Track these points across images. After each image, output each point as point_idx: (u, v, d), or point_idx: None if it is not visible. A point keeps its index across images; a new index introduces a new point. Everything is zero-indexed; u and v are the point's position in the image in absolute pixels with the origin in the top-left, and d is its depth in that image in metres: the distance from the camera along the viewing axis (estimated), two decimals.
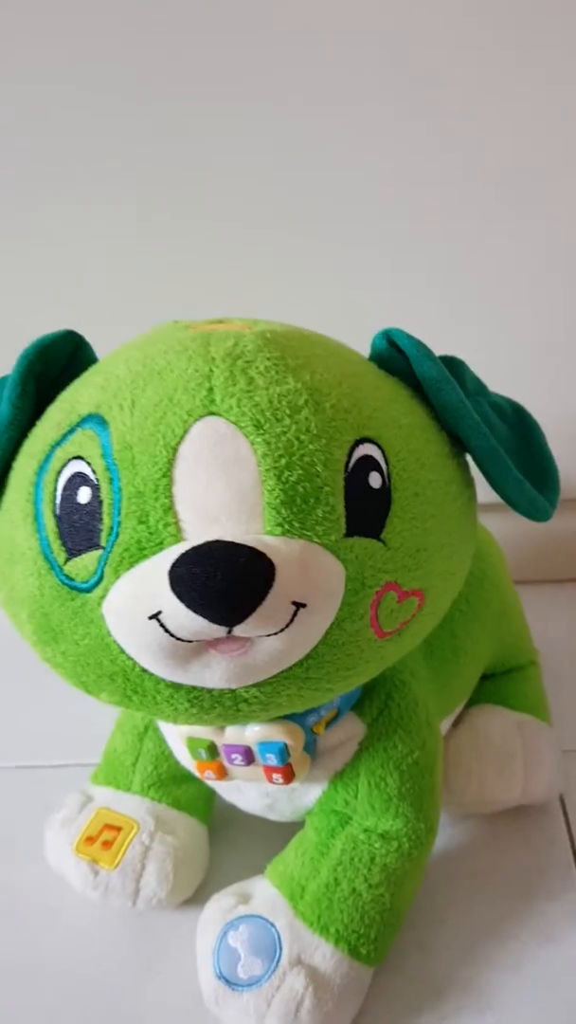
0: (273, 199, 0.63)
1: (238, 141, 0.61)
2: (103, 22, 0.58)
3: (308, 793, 0.49)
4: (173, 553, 0.33)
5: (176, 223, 0.64)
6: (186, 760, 0.48)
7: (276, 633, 0.34)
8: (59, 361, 0.42)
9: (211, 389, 0.36)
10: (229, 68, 0.59)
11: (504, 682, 0.60)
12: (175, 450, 0.35)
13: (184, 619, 0.33)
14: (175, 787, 0.54)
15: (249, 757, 0.44)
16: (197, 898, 0.52)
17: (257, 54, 0.59)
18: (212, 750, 0.44)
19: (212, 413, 0.35)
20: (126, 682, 0.37)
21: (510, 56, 0.59)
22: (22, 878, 0.55)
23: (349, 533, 0.36)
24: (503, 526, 0.65)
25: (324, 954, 0.45)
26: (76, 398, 0.39)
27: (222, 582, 0.32)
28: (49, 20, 0.58)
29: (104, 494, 0.36)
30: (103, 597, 0.35)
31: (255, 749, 0.43)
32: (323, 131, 0.61)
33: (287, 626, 0.34)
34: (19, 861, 0.56)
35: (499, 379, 0.50)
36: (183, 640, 0.34)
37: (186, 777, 0.54)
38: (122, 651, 0.36)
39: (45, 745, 0.66)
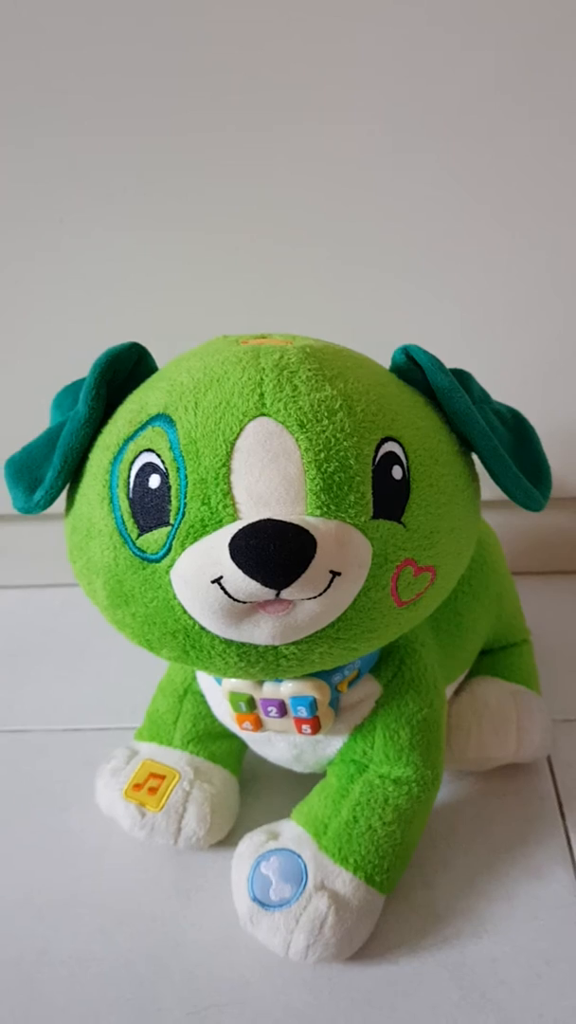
0: (311, 234, 0.68)
1: (276, 170, 0.66)
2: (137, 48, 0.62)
3: (331, 744, 0.55)
4: (232, 529, 0.39)
5: (220, 255, 0.69)
6: (224, 715, 0.55)
7: (315, 597, 0.40)
8: (125, 369, 0.48)
9: (262, 395, 0.41)
10: (255, 100, 0.63)
11: (501, 656, 0.66)
12: (233, 444, 0.41)
13: (241, 583, 0.39)
14: (211, 743, 0.61)
15: (283, 710, 0.50)
16: (229, 840, 0.58)
17: (279, 91, 0.63)
18: (251, 703, 0.51)
19: (263, 414, 0.41)
20: (186, 639, 0.43)
21: (512, 77, 0.62)
22: (72, 823, 0.62)
23: (375, 516, 0.41)
24: (502, 522, 0.73)
25: (344, 880, 0.51)
26: (145, 400, 0.45)
27: (275, 552, 0.38)
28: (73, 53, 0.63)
29: (172, 480, 0.42)
30: (171, 566, 0.42)
31: (288, 703, 0.50)
32: (337, 160, 0.66)
33: (324, 591, 0.40)
34: (69, 809, 0.63)
35: (502, 389, 0.55)
36: (239, 601, 0.40)
37: (221, 734, 0.60)
38: (185, 611, 0.42)
39: (89, 711, 0.73)
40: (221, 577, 0.40)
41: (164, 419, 0.43)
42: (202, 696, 0.60)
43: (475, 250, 0.69)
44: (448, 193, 0.67)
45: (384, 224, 0.68)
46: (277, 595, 0.40)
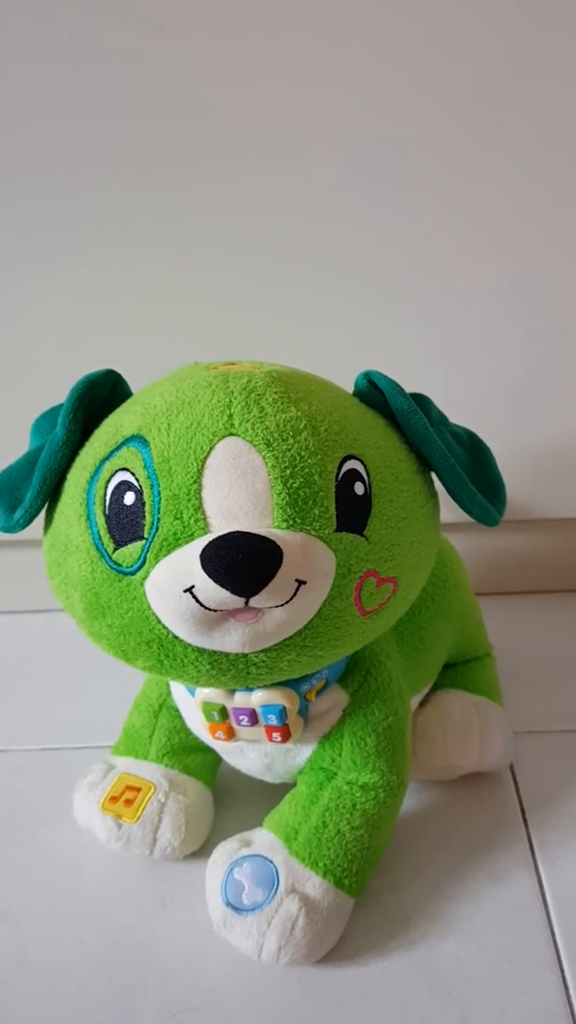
0: (276, 260, 0.70)
1: (243, 205, 0.68)
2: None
3: (300, 753, 0.56)
4: (203, 541, 0.42)
5: (192, 288, 0.72)
6: (198, 726, 0.56)
7: (282, 605, 0.42)
8: (101, 394, 0.50)
9: (231, 416, 0.43)
10: (234, 127, 0.65)
11: (464, 670, 0.68)
12: (203, 462, 0.42)
13: (212, 591, 0.41)
14: (186, 756, 0.62)
15: (254, 718, 0.52)
16: (204, 851, 0.59)
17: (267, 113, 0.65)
18: (223, 713, 0.52)
19: (232, 434, 0.43)
20: (160, 648, 0.45)
21: (478, 107, 0.64)
22: (49, 838, 0.63)
23: (339, 529, 0.44)
24: (465, 544, 0.74)
25: (314, 884, 0.52)
26: (120, 422, 0.47)
27: (243, 561, 0.40)
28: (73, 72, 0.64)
29: (146, 497, 0.44)
30: (145, 577, 0.43)
31: (259, 711, 0.51)
32: (318, 191, 0.68)
33: (291, 599, 0.42)
34: (47, 824, 0.64)
35: (461, 413, 0.57)
36: (210, 609, 0.42)
37: (195, 748, 0.62)
38: (159, 621, 0.44)
39: (65, 731, 0.74)
40: (193, 586, 0.42)
41: (138, 440, 0.45)
42: (176, 711, 0.62)
43: (437, 280, 0.71)
44: (411, 226, 0.69)
45: (348, 256, 0.70)
46: (246, 603, 0.42)
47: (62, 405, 0.49)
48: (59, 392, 0.50)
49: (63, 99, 0.65)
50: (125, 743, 0.64)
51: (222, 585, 0.41)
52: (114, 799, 0.59)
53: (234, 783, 0.64)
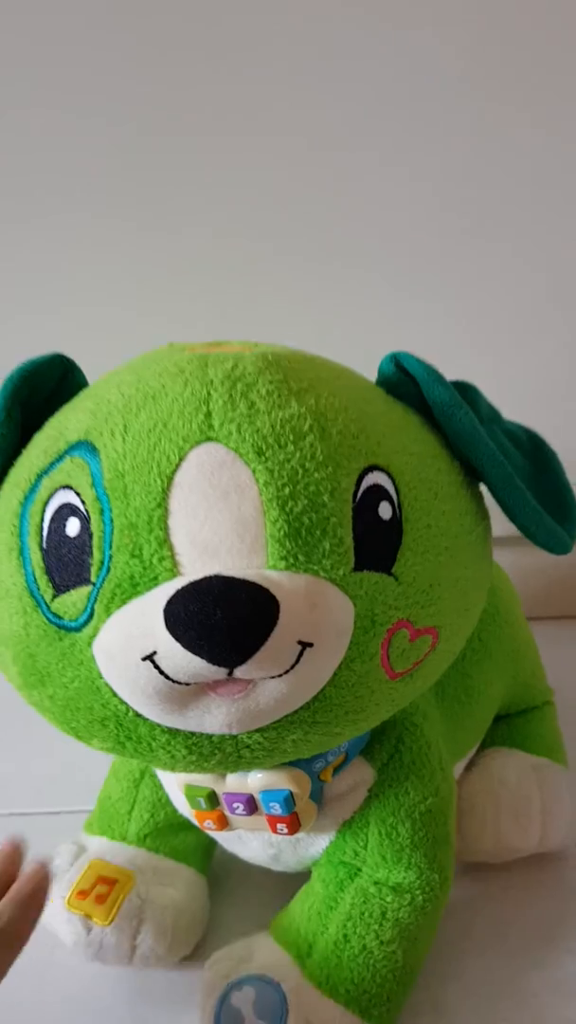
0: (278, 217, 0.64)
1: (240, 155, 0.62)
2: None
3: (315, 843, 0.47)
4: (169, 589, 0.32)
5: (176, 240, 0.65)
6: (184, 808, 0.47)
7: (281, 675, 0.33)
8: (47, 386, 0.41)
9: (209, 414, 0.35)
10: (232, 80, 0.60)
11: (519, 723, 0.59)
12: (170, 478, 0.34)
13: (181, 660, 0.31)
14: (172, 836, 0.53)
15: (252, 806, 0.42)
16: (197, 954, 0.50)
17: (265, 73, 0.60)
18: (212, 799, 0.43)
19: (210, 439, 0.34)
20: (119, 728, 0.36)
21: (514, 82, 0.60)
22: None
23: (358, 567, 0.35)
24: (516, 560, 0.65)
25: (333, 1017, 0.43)
26: (64, 424, 0.38)
27: (222, 620, 0.31)
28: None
29: (94, 526, 0.34)
30: (93, 636, 0.34)
31: (258, 798, 0.42)
32: (325, 143, 0.62)
33: (292, 667, 0.33)
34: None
35: (514, 408, 0.49)
36: (180, 683, 0.32)
37: (184, 825, 0.52)
38: (114, 694, 0.34)
39: (39, 792, 0.64)
40: (155, 653, 0.32)
41: (85, 447, 0.36)
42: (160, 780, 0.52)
43: (475, 245, 0.65)
44: (444, 184, 0.64)
45: (371, 220, 0.64)
46: (230, 674, 0.32)
47: None
48: None
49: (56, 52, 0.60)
50: (100, 819, 0.54)
51: (194, 652, 0.31)
52: (83, 893, 0.49)
53: (234, 862, 0.53)
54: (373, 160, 0.62)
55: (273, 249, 0.63)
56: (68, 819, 0.59)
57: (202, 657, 0.31)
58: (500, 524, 0.43)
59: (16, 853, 0.47)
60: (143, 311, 0.63)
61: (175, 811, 0.51)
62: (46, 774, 0.65)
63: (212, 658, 0.31)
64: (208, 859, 0.54)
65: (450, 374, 0.42)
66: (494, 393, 0.46)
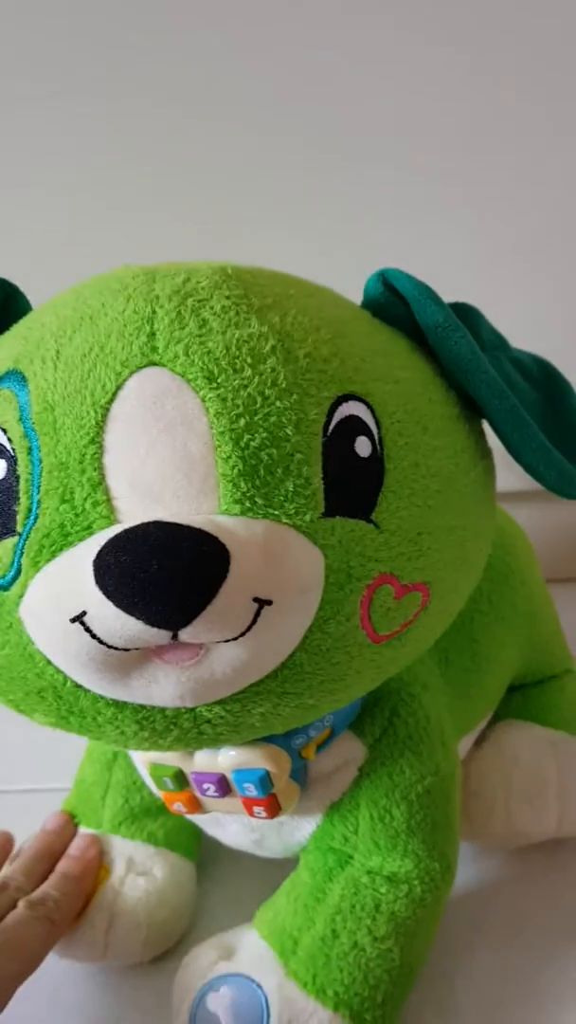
0: (270, 132, 0.59)
1: (235, 64, 0.58)
2: None
3: (300, 828, 0.43)
4: (101, 538, 0.28)
5: (153, 152, 0.60)
6: (156, 789, 0.42)
7: (236, 638, 0.29)
8: None
9: (152, 334, 0.30)
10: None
11: (535, 694, 0.55)
12: (106, 410, 0.29)
13: (113, 621, 0.27)
14: (151, 820, 0.48)
15: (224, 787, 0.38)
16: (181, 947, 0.46)
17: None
18: (180, 779, 0.38)
19: (153, 363, 0.30)
20: (58, 700, 0.31)
21: None
22: None
23: (329, 512, 0.30)
24: (533, 516, 0.62)
25: (321, 1021, 0.38)
26: None
27: (159, 573, 0.27)
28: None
29: (21, 467, 0.30)
30: (21, 595, 0.30)
31: (231, 777, 0.37)
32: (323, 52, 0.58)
33: (249, 628, 0.29)
34: None
35: (525, 336, 0.45)
36: (116, 648, 0.28)
37: (162, 808, 0.48)
38: (48, 662, 0.30)
39: (11, 767, 0.61)
40: (84, 613, 0.28)
41: (15, 377, 0.32)
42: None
43: (489, 160, 0.60)
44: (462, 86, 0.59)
45: (368, 126, 0.59)
46: (175, 637, 0.28)
47: None
48: None
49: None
50: (75, 803, 0.50)
51: (128, 611, 0.27)
52: None
53: (222, 846, 0.48)
54: (371, 58, 0.58)
55: (260, 168, 0.60)
56: (44, 797, 0.55)
57: (137, 617, 0.27)
58: (518, 477, 0.38)
59: (67, 828, 0.48)
60: (107, 233, 0.59)
61: (152, 793, 0.47)
62: (20, 751, 0.61)
63: (149, 619, 0.27)
64: (196, 841, 0.50)
65: (451, 296, 0.38)
66: (510, 326, 0.42)
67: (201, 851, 0.50)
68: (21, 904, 0.40)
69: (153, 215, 0.59)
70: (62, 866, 0.44)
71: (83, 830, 0.48)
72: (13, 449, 0.30)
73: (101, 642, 0.28)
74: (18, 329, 0.34)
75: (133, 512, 0.28)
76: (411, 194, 0.60)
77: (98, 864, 0.45)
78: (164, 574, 0.26)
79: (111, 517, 0.28)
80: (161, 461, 0.28)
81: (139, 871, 0.46)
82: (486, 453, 0.38)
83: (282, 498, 0.29)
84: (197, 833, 0.50)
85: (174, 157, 0.59)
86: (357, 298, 0.39)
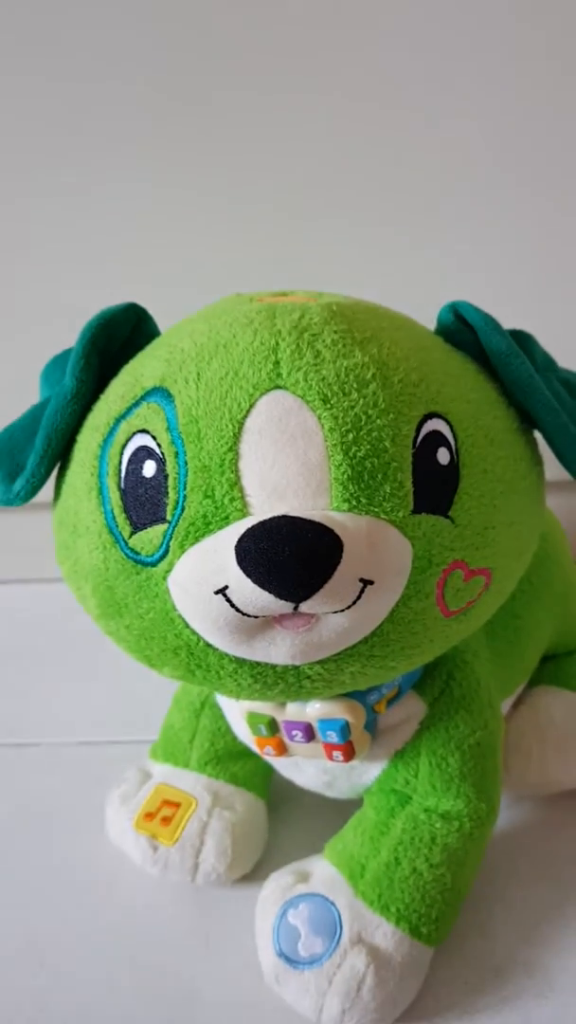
0: (338, 177, 0.62)
1: (300, 118, 0.61)
2: None
3: (368, 771, 0.48)
4: (239, 528, 0.33)
5: (237, 196, 0.63)
6: (245, 735, 0.48)
7: (342, 610, 0.34)
8: (121, 334, 0.42)
9: (277, 362, 0.35)
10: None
11: (566, 663, 0.59)
12: (241, 424, 0.34)
13: (250, 594, 0.33)
14: (232, 763, 0.54)
15: (310, 734, 0.43)
16: (255, 874, 0.51)
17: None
18: (272, 726, 0.44)
19: (279, 387, 0.35)
20: (190, 656, 0.37)
21: None
22: (79, 852, 0.55)
23: (417, 510, 0.35)
24: (563, 505, 0.64)
25: (385, 933, 0.44)
26: (140, 371, 0.39)
27: (289, 558, 0.32)
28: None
29: (170, 468, 0.35)
30: (168, 571, 0.35)
31: (316, 726, 0.43)
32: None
33: (354, 603, 0.34)
34: (78, 834, 0.56)
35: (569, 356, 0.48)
36: (249, 615, 0.34)
37: (243, 753, 0.54)
38: (186, 625, 0.36)
39: (106, 722, 0.66)
40: (227, 587, 0.33)
41: (161, 393, 0.37)
42: (221, 710, 0.53)
43: (537, 194, 0.63)
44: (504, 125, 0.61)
45: (424, 164, 0.62)
46: (295, 608, 0.33)
47: (71, 350, 0.41)
48: (76, 332, 0.42)
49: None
50: (164, 747, 0.56)
51: (263, 587, 0.33)
52: (150, 816, 0.51)
53: (292, 790, 0.54)
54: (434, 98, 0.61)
55: (331, 200, 0.63)
56: (134, 747, 0.60)
57: (270, 592, 0.32)
58: (552, 469, 0.43)
59: None
60: (203, 262, 0.63)
61: (234, 740, 0.53)
62: (113, 707, 0.67)
63: (280, 593, 0.32)
64: (267, 784, 0.55)
65: (507, 323, 0.42)
66: (551, 343, 0.46)
67: (271, 796, 0.56)
68: None
69: (240, 251, 0.64)
70: None
71: (172, 768, 0.54)
72: (162, 453, 0.35)
73: (238, 610, 0.33)
74: (156, 351, 0.39)
75: (262, 507, 0.34)
76: (478, 231, 0.64)
77: None
78: (293, 558, 0.32)
79: (244, 511, 0.34)
80: (286, 467, 0.34)
81: (224, 806, 0.52)
82: (539, 461, 0.43)
83: (381, 498, 0.34)
84: (268, 778, 0.55)
85: (261, 201, 0.63)
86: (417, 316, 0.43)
